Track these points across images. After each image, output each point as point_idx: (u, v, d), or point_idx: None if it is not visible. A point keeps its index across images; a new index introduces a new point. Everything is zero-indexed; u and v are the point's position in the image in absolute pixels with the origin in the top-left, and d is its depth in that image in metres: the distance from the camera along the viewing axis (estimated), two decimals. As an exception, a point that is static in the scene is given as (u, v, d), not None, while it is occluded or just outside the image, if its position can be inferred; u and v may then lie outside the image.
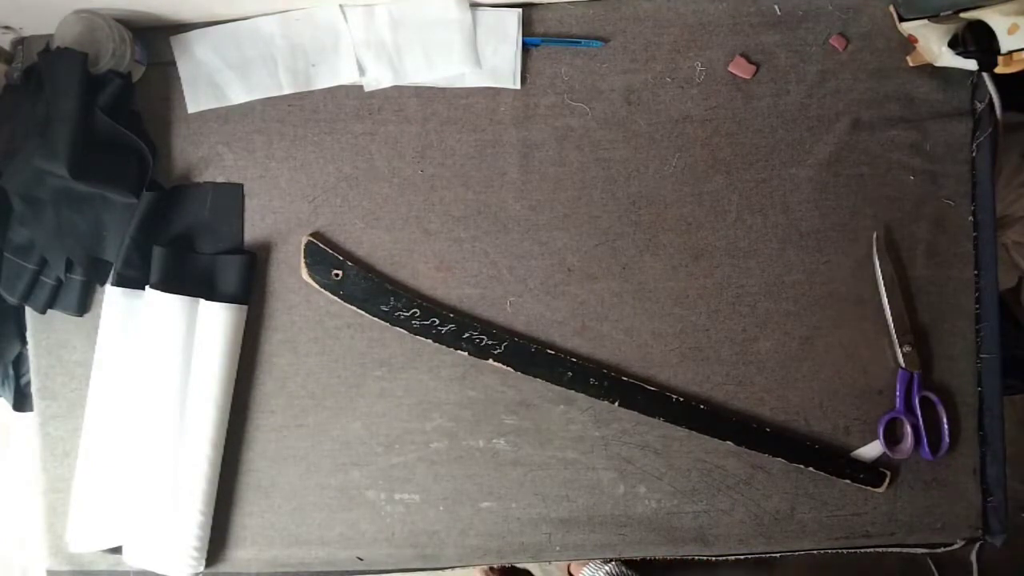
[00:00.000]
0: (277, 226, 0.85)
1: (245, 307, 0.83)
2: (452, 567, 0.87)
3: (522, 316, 0.84)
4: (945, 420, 0.83)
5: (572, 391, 0.83)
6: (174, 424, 0.82)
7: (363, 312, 0.83)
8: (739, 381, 0.84)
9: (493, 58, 0.82)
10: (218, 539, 0.85)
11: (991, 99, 0.81)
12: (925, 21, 0.77)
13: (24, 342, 0.88)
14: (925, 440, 0.83)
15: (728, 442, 0.83)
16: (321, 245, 0.83)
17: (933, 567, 1.06)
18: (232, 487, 0.86)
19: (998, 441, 0.85)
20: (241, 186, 0.84)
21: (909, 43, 0.81)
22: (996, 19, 0.70)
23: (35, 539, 0.88)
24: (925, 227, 0.83)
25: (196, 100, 0.83)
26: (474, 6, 0.81)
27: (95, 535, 0.84)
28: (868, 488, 0.84)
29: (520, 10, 0.81)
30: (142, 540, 0.83)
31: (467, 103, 0.84)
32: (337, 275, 0.83)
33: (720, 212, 0.84)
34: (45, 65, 0.76)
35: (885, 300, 0.82)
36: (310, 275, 0.83)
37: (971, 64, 0.75)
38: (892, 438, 0.84)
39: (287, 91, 0.83)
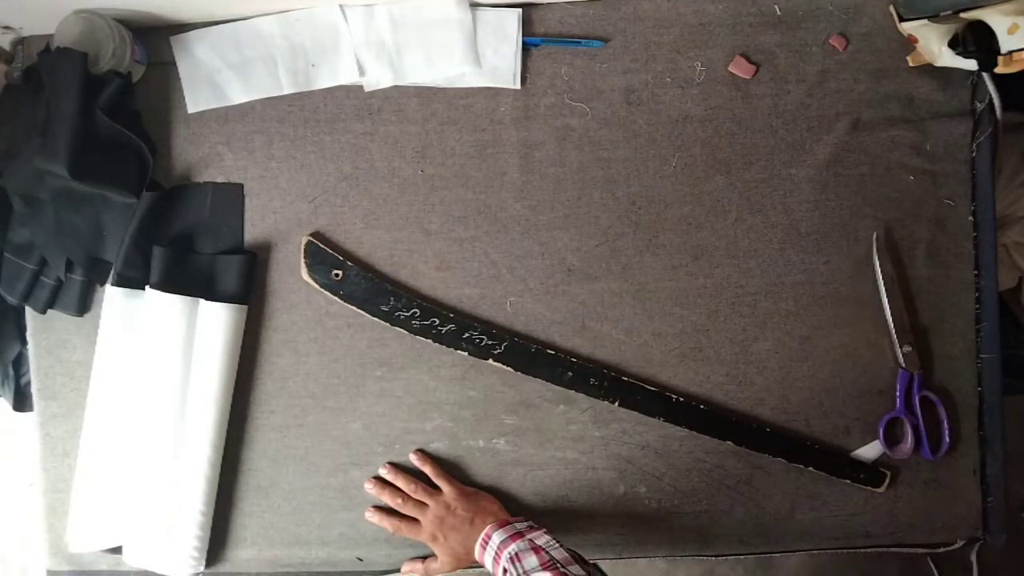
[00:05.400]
0: (277, 226, 0.85)
1: (245, 307, 0.83)
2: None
3: (522, 316, 0.84)
4: (945, 420, 0.83)
5: (572, 391, 0.83)
6: (174, 424, 0.82)
7: (363, 312, 0.83)
8: (739, 381, 0.84)
9: (493, 58, 0.82)
10: (218, 539, 0.85)
11: (991, 99, 0.81)
12: (925, 21, 0.77)
13: (24, 342, 0.88)
14: (925, 440, 0.83)
15: (728, 442, 0.83)
16: (321, 245, 0.83)
17: (933, 567, 1.05)
18: (232, 487, 0.86)
19: (998, 441, 0.85)
20: (241, 186, 0.84)
21: (909, 43, 0.81)
22: (996, 19, 0.70)
23: (35, 539, 0.88)
24: (925, 227, 0.83)
25: (196, 100, 0.83)
26: (474, 6, 0.81)
27: (95, 535, 0.84)
28: (868, 488, 0.84)
29: (520, 10, 0.81)
30: (142, 540, 0.83)
31: (467, 103, 0.84)
32: (337, 275, 0.83)
33: (720, 212, 0.84)
34: (45, 65, 0.76)
35: (885, 300, 0.82)
36: (310, 275, 0.83)
37: (971, 64, 0.75)
38: (892, 438, 0.84)
39: (287, 91, 0.83)
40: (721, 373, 0.84)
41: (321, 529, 0.86)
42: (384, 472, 0.85)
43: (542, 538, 0.72)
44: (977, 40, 0.73)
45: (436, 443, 0.85)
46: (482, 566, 0.78)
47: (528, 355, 0.83)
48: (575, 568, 0.66)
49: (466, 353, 0.83)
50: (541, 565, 0.66)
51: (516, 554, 0.70)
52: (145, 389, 0.81)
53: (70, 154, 0.74)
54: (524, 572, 0.67)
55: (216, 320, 0.80)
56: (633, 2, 0.83)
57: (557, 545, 0.70)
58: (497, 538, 0.74)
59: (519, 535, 0.72)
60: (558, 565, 0.66)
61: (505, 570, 0.70)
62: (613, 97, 0.83)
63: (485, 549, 0.75)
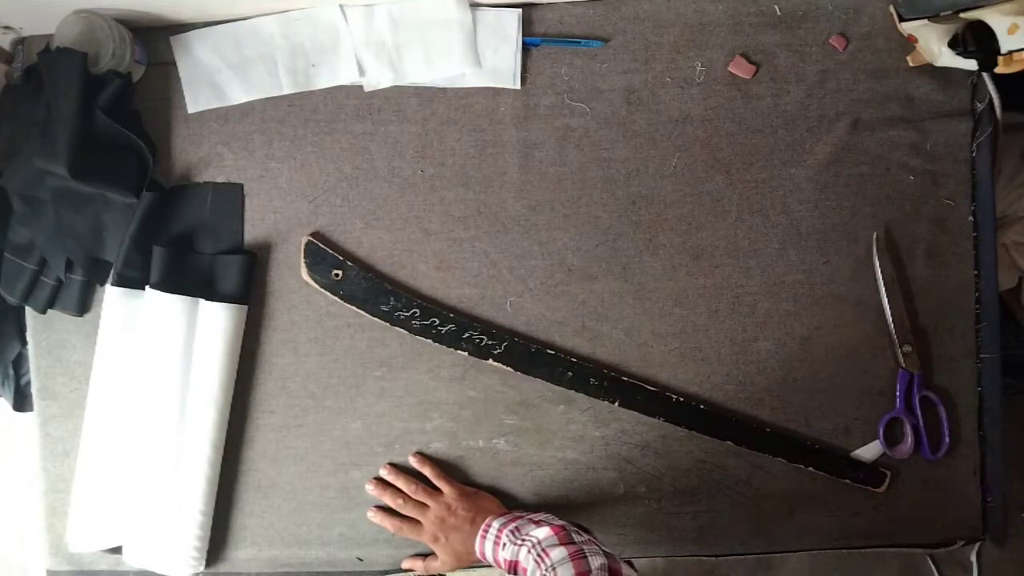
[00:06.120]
0: (277, 226, 0.85)
1: (245, 307, 0.83)
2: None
3: (522, 316, 0.84)
4: (945, 420, 0.83)
5: (572, 391, 0.83)
6: (174, 424, 0.82)
7: (363, 312, 0.83)
8: (739, 381, 0.84)
9: (493, 58, 0.82)
10: (218, 539, 0.85)
11: (991, 99, 0.81)
12: (925, 21, 0.77)
13: (24, 342, 0.88)
14: (925, 440, 0.83)
15: (728, 442, 0.83)
16: (321, 245, 0.83)
17: (933, 567, 1.06)
18: (232, 487, 0.86)
19: (998, 441, 0.85)
20: (241, 186, 0.84)
21: (909, 43, 0.81)
22: (996, 19, 0.70)
23: (35, 539, 0.88)
24: (925, 227, 0.83)
25: (196, 100, 0.83)
26: (474, 6, 0.81)
27: (95, 535, 0.84)
28: (868, 488, 0.84)
29: (520, 10, 0.81)
30: (142, 540, 0.83)
31: (467, 103, 0.84)
32: (337, 275, 0.83)
33: (720, 212, 0.84)
34: (45, 65, 0.76)
35: (885, 300, 0.82)
36: (310, 275, 0.83)
37: (971, 64, 0.75)
38: (892, 438, 0.84)
39: (287, 91, 0.83)
40: (721, 373, 0.84)
41: (321, 529, 0.86)
42: (384, 473, 0.85)
43: (541, 516, 0.73)
44: (977, 40, 0.73)
45: (436, 443, 0.85)
46: (483, 564, 0.78)
47: (528, 355, 0.83)
48: (573, 527, 0.67)
49: (466, 353, 0.83)
50: (539, 527, 0.68)
51: (516, 527, 0.71)
52: (145, 389, 0.81)
53: (70, 154, 0.74)
54: (524, 536, 0.68)
55: (216, 320, 0.80)
56: (633, 2, 0.83)
57: (555, 519, 0.71)
58: (497, 524, 0.74)
59: (518, 517, 0.73)
60: (556, 524, 0.67)
61: (504, 544, 0.71)
62: (613, 97, 0.83)
63: (485, 538, 0.75)
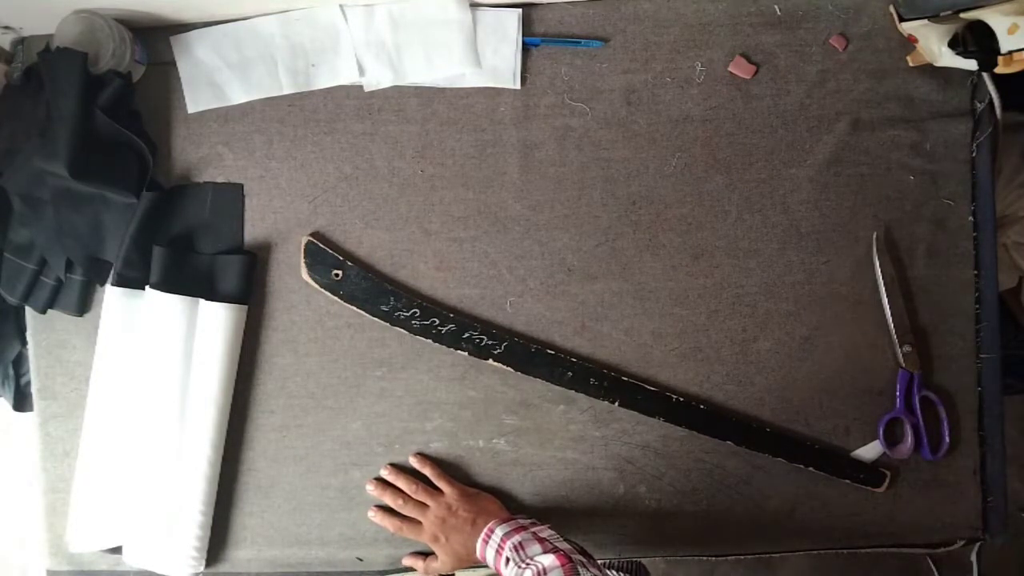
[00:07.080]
0: (277, 226, 0.85)
1: (245, 307, 0.83)
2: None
3: (522, 316, 0.84)
4: (945, 420, 0.83)
5: (572, 391, 0.83)
6: (174, 424, 0.82)
7: (363, 312, 0.83)
8: (739, 381, 0.84)
9: (493, 58, 0.82)
10: (218, 539, 0.85)
11: (991, 99, 0.81)
12: (925, 21, 0.77)
13: (24, 342, 0.88)
14: (925, 440, 0.83)
15: (728, 442, 0.83)
16: (321, 245, 0.83)
17: (933, 567, 1.06)
18: (232, 487, 0.86)
19: (998, 441, 0.85)
20: (241, 186, 0.84)
21: (909, 43, 0.81)
22: (996, 19, 0.70)
23: (35, 539, 0.89)
24: (925, 227, 0.83)
25: (196, 100, 0.83)
26: (474, 6, 0.81)
27: (95, 535, 0.84)
28: (868, 488, 0.84)
29: (520, 10, 0.81)
30: (142, 540, 0.83)
31: (467, 103, 0.84)
32: (337, 275, 0.83)
33: (720, 212, 0.84)
34: (45, 65, 0.76)
35: (885, 300, 0.82)
36: (310, 275, 0.83)
37: (971, 64, 0.75)
38: (892, 438, 0.84)
39: (287, 91, 0.83)
40: (721, 373, 0.84)
41: (321, 529, 0.86)
42: (385, 473, 0.85)
43: (546, 532, 0.72)
44: (977, 40, 0.73)
45: (436, 443, 0.85)
46: (484, 565, 0.78)
47: (528, 355, 0.83)
48: (578, 557, 0.66)
49: (466, 353, 0.83)
50: (544, 552, 0.66)
51: (520, 543, 0.70)
52: (145, 389, 0.81)
53: (70, 154, 0.74)
54: (528, 557, 0.67)
55: (216, 320, 0.80)
56: (633, 2, 0.83)
57: (560, 538, 0.70)
58: (500, 532, 0.74)
59: (522, 528, 0.73)
60: (562, 552, 0.66)
61: (508, 559, 0.70)
62: (613, 97, 0.83)
63: (487, 544, 0.75)
